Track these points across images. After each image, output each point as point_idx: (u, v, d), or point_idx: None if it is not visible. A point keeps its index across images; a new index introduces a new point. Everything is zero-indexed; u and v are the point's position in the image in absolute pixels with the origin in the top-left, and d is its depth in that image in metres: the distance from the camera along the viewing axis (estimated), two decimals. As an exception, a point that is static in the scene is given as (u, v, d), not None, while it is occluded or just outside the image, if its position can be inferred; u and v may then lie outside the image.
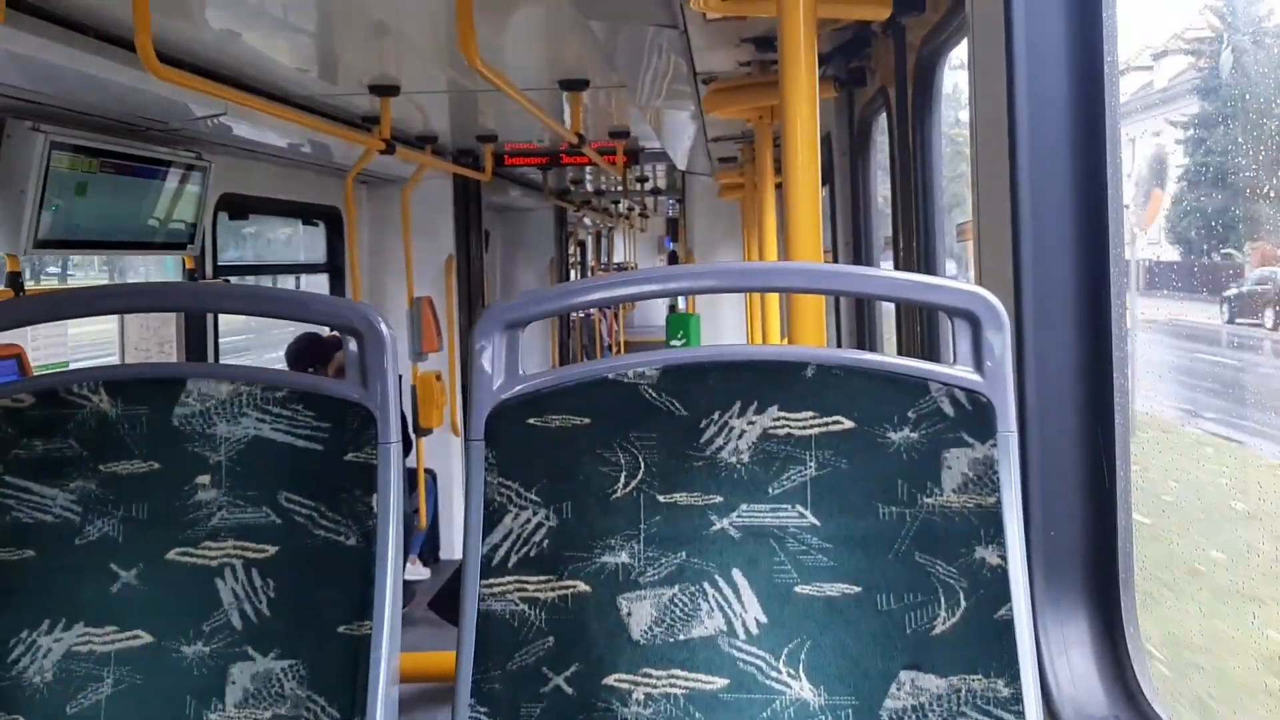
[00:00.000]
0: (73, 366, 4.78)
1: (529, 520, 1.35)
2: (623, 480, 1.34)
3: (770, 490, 1.33)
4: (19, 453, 1.43)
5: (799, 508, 1.32)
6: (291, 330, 6.77)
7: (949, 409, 1.32)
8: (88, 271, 7.37)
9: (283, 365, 6.34)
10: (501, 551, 1.35)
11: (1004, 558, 1.30)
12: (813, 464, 1.32)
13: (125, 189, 4.69)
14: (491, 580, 1.35)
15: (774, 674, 1.30)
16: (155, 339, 5.53)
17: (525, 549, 1.35)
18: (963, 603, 1.29)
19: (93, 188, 4.43)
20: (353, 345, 1.43)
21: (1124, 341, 1.69)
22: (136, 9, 2.90)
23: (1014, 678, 1.28)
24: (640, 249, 22.38)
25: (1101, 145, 1.68)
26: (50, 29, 3.38)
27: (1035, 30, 1.69)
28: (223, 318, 5.85)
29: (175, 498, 1.42)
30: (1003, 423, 1.32)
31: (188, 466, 1.42)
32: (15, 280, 4.15)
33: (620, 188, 12.28)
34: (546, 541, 1.35)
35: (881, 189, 4.32)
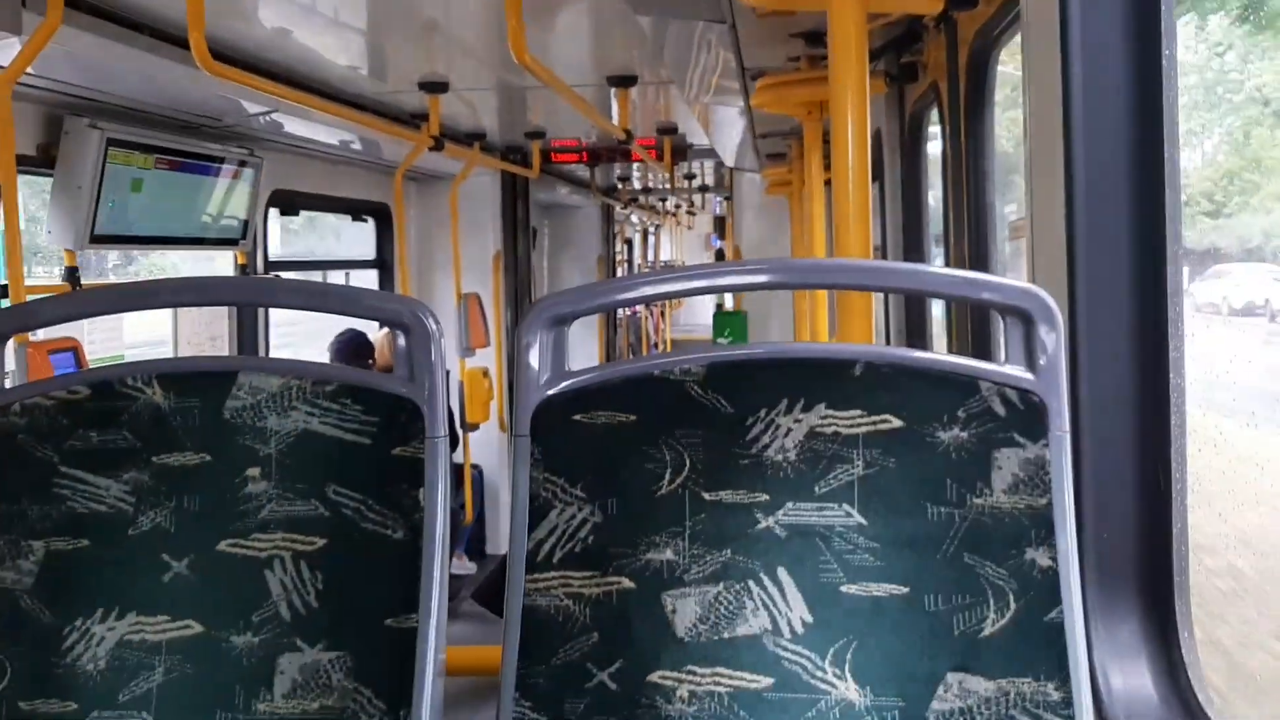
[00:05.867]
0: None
1: (574, 516, 1.35)
2: (668, 477, 1.34)
3: (817, 489, 1.31)
4: (74, 444, 1.45)
5: (846, 507, 1.31)
6: (324, 320, 6.82)
7: (1000, 408, 1.30)
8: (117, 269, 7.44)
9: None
10: (547, 547, 1.35)
11: (1055, 560, 1.27)
12: (860, 463, 1.31)
13: (179, 185, 4.76)
14: (537, 575, 1.35)
15: (819, 674, 1.29)
16: (207, 333, 5.61)
17: (570, 545, 1.35)
18: (1012, 605, 1.27)
19: (148, 184, 4.50)
20: (401, 340, 1.43)
21: (1180, 341, 1.66)
22: (190, 8, 2.94)
23: (1065, 681, 1.26)
24: (688, 247, 22.35)
25: (1160, 139, 1.65)
26: (107, 28, 3.43)
27: (1091, 23, 1.66)
28: (270, 312, 5.91)
29: (226, 490, 1.43)
30: (1055, 423, 1.29)
31: (238, 459, 1.43)
32: (72, 275, 4.22)
33: (667, 185, 12.27)
34: (591, 537, 1.35)
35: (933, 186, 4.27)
